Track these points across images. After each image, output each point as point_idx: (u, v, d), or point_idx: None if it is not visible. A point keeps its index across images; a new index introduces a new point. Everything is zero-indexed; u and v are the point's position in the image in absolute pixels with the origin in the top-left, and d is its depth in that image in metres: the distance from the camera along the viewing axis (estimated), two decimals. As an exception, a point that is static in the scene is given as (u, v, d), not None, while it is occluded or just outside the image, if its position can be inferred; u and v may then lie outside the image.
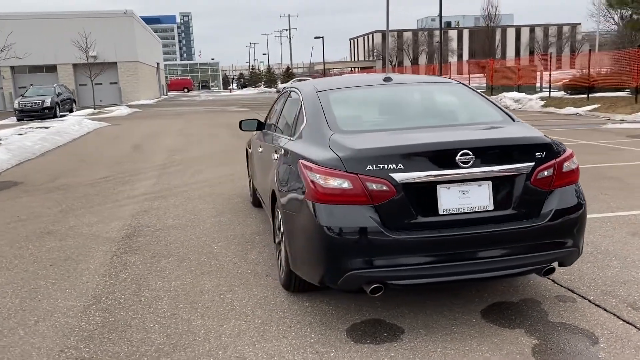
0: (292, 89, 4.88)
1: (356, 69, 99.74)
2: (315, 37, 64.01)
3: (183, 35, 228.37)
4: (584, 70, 26.66)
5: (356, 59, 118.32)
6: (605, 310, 3.50)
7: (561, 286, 3.92)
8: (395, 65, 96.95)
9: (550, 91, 26.10)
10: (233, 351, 3.16)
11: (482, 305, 3.65)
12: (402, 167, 3.03)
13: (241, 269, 4.53)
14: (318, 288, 3.87)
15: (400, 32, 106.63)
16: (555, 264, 3.32)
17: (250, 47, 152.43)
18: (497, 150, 3.16)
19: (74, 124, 18.61)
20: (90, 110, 29.35)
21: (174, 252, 5.07)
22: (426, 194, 3.07)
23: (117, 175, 9.55)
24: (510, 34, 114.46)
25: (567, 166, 3.28)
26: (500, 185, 3.14)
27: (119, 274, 4.52)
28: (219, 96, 59.79)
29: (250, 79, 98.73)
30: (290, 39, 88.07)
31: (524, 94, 26.26)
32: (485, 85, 32.35)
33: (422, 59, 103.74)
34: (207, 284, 4.22)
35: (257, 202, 6.51)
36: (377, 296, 3.19)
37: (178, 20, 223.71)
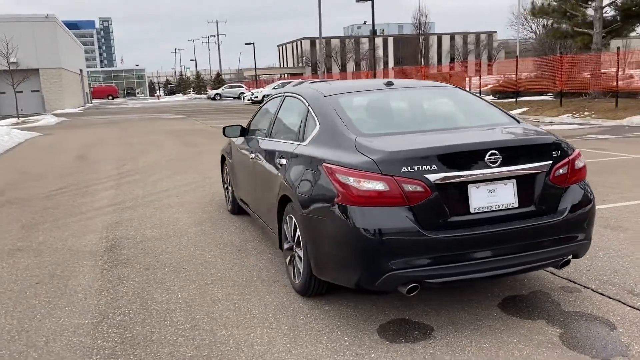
0: (288, 94, 4.88)
1: (286, 75, 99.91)
2: (246, 44, 63.63)
3: (103, 41, 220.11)
4: (507, 75, 28.29)
5: (285, 66, 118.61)
6: (610, 297, 3.75)
7: (562, 278, 4.15)
8: (324, 72, 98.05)
9: (480, 94, 27.35)
10: (271, 359, 3.12)
11: (496, 299, 3.81)
12: (435, 167, 3.12)
13: (245, 277, 4.46)
14: (334, 291, 3.91)
15: (328, 39, 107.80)
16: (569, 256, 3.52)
17: (176, 53, 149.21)
18: (521, 150, 3.32)
19: (2, 135, 17.48)
20: (14, 120, 27.67)
21: (167, 263, 4.91)
22: (458, 193, 3.18)
23: (71, 187, 9.09)
24: (433, 41, 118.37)
25: (577, 164, 3.50)
26: (523, 183, 3.29)
27: (117, 288, 4.32)
28: (148, 103, 58.10)
29: (178, 86, 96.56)
30: (219, 45, 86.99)
31: (456, 98, 27.36)
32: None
33: (350, 66, 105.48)
34: (216, 294, 4.13)
35: (236, 210, 6.42)
36: (412, 295, 3.25)
37: (97, 25, 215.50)
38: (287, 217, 4.05)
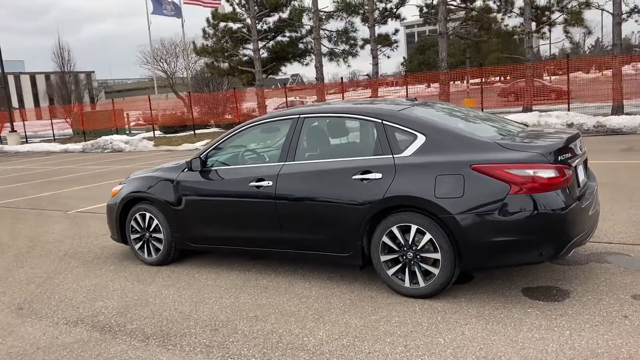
0: (310, 115, 4.83)
1: None
2: None
3: None
4: (171, 111, 29.42)
5: None
6: (604, 242, 5.24)
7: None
8: None
9: (154, 131, 27.44)
10: (526, 341, 3.44)
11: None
12: (570, 155, 4.04)
13: (338, 305, 4.28)
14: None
15: None
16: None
17: None
18: (580, 140, 4.53)
19: None
20: None
21: (225, 320, 4.16)
22: (575, 173, 4.16)
23: None
24: (25, 81, 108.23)
25: None
26: (583, 163, 4.52)
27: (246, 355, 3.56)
28: None
29: None
30: None
31: (125, 136, 26.72)
32: (71, 131, 31.00)
33: None
34: (352, 321, 3.91)
35: (169, 259, 5.59)
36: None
37: None
38: (395, 228, 4.19)
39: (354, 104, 5.04)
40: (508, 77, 27.42)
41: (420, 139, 4.23)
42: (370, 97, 21.44)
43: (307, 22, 24.78)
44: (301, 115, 4.88)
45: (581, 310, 3.81)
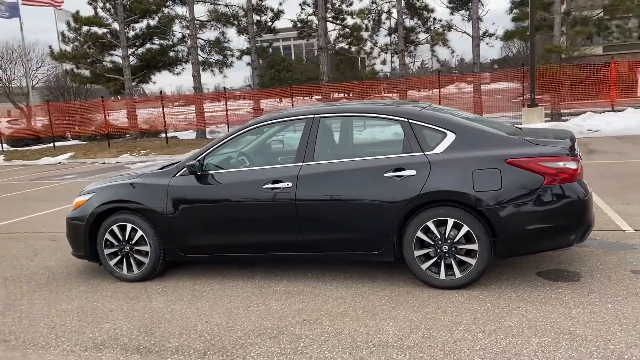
0: (326, 115, 4.78)
1: None
2: None
3: None
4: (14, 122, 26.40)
5: None
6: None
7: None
8: None
9: (2, 145, 24.31)
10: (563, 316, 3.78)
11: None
12: (578, 150, 4.53)
13: (383, 304, 4.29)
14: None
15: None
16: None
17: None
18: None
19: None
20: None
21: (266, 331, 3.93)
22: (578, 166, 4.66)
23: None
24: None
25: None
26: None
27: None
28: None
29: None
30: None
31: (-35, 150, 23.40)
32: None
33: None
34: (411, 314, 3.95)
35: (157, 272, 5.11)
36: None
37: None
38: (430, 223, 4.32)
39: (370, 104, 5.08)
40: (350, 94, 28.67)
41: (450, 136, 4.42)
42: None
43: (179, 30, 23.99)
44: (316, 115, 4.80)
45: (602, 286, 4.27)
